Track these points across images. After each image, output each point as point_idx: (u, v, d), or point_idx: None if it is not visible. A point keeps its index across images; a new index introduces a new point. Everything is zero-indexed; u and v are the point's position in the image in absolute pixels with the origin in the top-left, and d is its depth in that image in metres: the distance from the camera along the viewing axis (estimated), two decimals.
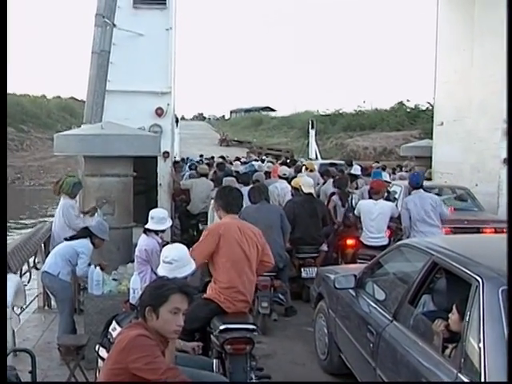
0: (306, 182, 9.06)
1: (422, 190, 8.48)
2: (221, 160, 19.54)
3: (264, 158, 27.66)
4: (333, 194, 10.01)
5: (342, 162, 18.68)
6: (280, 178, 10.98)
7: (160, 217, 6.22)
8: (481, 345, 3.05)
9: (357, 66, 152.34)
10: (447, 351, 3.42)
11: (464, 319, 3.32)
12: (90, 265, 6.19)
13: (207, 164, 17.01)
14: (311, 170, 13.85)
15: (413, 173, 8.80)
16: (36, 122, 49.19)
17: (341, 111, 54.50)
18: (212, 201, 8.46)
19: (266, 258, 5.27)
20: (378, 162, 22.94)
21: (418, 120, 44.38)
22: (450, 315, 3.52)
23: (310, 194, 8.87)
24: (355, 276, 5.14)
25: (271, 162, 18.99)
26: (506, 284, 3.14)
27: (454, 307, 3.51)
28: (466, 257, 3.77)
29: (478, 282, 3.32)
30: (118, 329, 3.61)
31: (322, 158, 27.13)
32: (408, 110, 49.39)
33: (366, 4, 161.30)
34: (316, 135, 32.91)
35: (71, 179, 7.65)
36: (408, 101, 50.38)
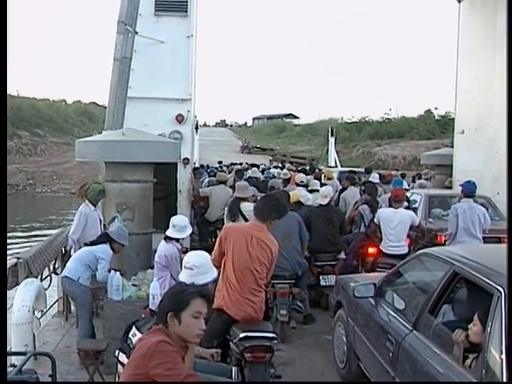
0: (321, 193, 9.02)
1: (471, 200, 8.39)
2: (240, 167, 19.53)
3: (283, 165, 27.65)
4: (357, 201, 9.94)
5: (362, 170, 18.61)
6: (297, 185, 10.99)
7: (182, 225, 6.23)
8: (502, 356, 3.02)
9: (381, 73, 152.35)
10: (468, 362, 3.39)
11: (485, 329, 3.29)
12: (109, 270, 6.23)
13: (223, 171, 17.02)
14: (329, 178, 13.84)
15: (468, 180, 8.64)
16: (52, 126, 47.88)
17: (367, 118, 53.66)
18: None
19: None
20: (397, 170, 22.81)
21: (449, 128, 41.88)
22: (470, 325, 3.49)
23: (325, 205, 8.75)
24: (375, 285, 5.12)
25: (290, 169, 18.99)
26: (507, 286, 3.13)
27: (474, 317, 3.48)
28: (487, 267, 3.73)
29: (500, 292, 3.29)
30: (138, 334, 3.62)
31: (342, 166, 27.00)
32: (437, 117, 48.00)
33: (391, 12, 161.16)
34: (336, 143, 32.80)
35: (97, 186, 7.65)
36: (436, 108, 49.30)
